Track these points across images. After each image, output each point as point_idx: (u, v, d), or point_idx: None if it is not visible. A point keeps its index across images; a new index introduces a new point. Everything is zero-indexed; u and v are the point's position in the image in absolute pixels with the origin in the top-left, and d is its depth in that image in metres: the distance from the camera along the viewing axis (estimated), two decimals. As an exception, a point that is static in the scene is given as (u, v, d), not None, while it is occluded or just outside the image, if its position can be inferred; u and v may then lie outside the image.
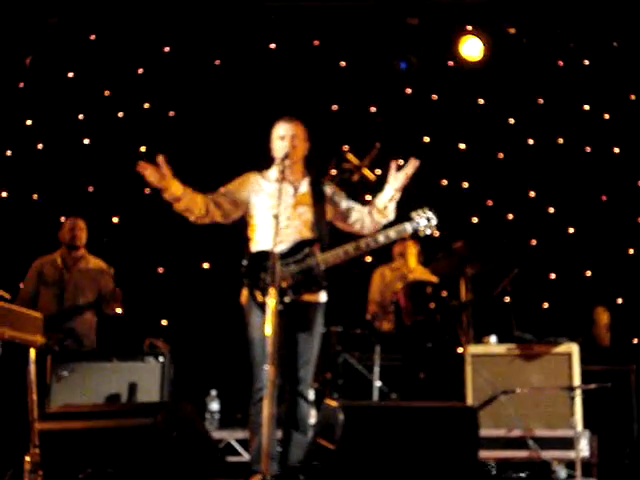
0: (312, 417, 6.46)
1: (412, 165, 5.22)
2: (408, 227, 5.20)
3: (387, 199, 5.19)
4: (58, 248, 7.28)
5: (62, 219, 8.45)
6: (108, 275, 7.19)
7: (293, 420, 5.03)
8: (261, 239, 5.14)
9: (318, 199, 5.22)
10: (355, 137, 8.16)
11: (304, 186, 5.25)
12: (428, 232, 5.27)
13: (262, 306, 4.82)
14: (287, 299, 4.94)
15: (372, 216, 5.23)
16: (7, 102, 8.70)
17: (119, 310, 7.24)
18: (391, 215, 5.25)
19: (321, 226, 5.16)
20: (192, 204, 5.19)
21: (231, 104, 8.75)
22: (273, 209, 4.86)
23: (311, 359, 5.09)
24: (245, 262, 5.07)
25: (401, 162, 5.23)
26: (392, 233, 5.15)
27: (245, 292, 5.11)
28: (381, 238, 5.13)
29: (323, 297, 5.16)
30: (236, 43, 8.78)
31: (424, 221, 5.23)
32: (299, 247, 5.06)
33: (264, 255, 4.88)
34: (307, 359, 5.08)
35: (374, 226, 5.25)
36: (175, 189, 5.16)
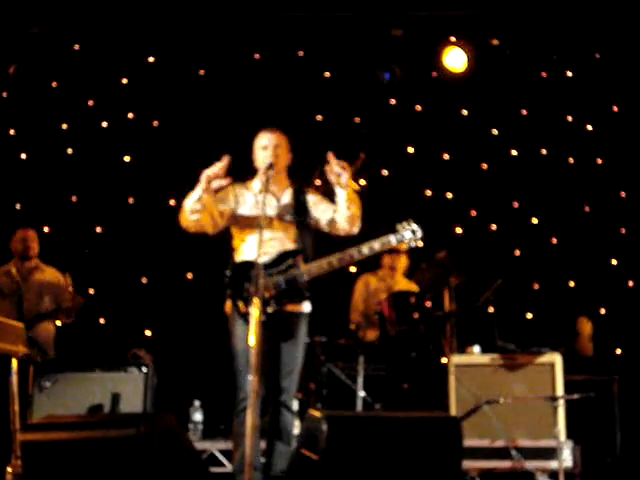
0: (296, 427, 6.46)
1: (331, 157, 5.10)
2: (392, 239, 5.18)
3: (345, 197, 5.10)
4: (9, 260, 7.26)
5: (45, 229, 8.47)
6: (64, 284, 7.14)
7: (277, 430, 5.02)
8: (245, 250, 5.14)
9: (301, 209, 5.21)
10: (339, 147, 8.13)
11: (287, 196, 5.25)
12: (413, 244, 5.25)
13: (245, 316, 4.82)
14: (270, 309, 4.93)
15: (343, 217, 5.17)
16: (-10, 112, 8.69)
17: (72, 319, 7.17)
18: (357, 211, 5.15)
19: (304, 237, 5.16)
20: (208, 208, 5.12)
21: (215, 114, 8.75)
22: (256, 220, 4.87)
23: (295, 369, 5.09)
24: (228, 272, 5.07)
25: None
26: (376, 245, 5.14)
27: (228, 302, 5.10)
28: (365, 250, 5.11)
29: (307, 307, 5.16)
30: (220, 53, 8.79)
31: (409, 234, 5.21)
32: (283, 258, 5.06)
33: (248, 265, 4.88)
34: (291, 369, 5.07)
35: (347, 227, 5.17)
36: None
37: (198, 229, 5.19)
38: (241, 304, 4.94)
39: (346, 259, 5.09)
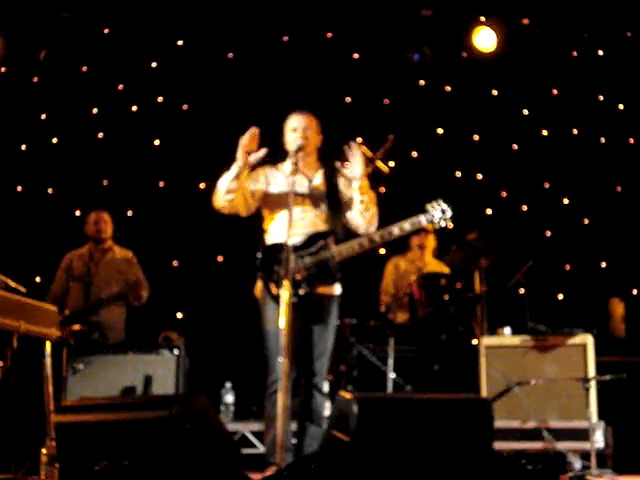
0: (326, 409, 6.49)
1: (356, 148, 5.13)
2: (422, 219, 5.17)
3: (357, 192, 5.14)
4: (85, 243, 7.34)
5: (77, 212, 8.53)
6: (135, 265, 7.22)
7: (308, 412, 5.04)
8: (276, 231, 5.15)
9: (332, 191, 5.21)
10: (368, 129, 8.15)
11: (318, 178, 5.26)
12: (442, 224, 5.23)
13: (276, 298, 4.83)
14: (301, 291, 4.94)
15: (358, 213, 5.18)
16: (22, 96, 8.73)
17: (143, 301, 7.25)
18: (371, 206, 5.16)
19: (335, 218, 5.16)
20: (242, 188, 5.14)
21: (244, 97, 8.75)
22: (287, 200, 4.88)
23: (325, 351, 5.10)
24: (259, 255, 5.08)
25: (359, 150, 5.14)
26: (406, 225, 5.12)
27: (259, 285, 5.12)
28: (396, 230, 5.11)
29: (337, 289, 5.16)
30: (249, 36, 8.78)
31: (439, 213, 5.19)
32: (313, 239, 5.07)
33: (278, 247, 4.89)
34: (321, 351, 5.09)
35: (363, 223, 5.17)
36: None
37: (232, 210, 5.20)
38: (272, 286, 4.96)
39: (376, 240, 5.08)
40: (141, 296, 7.19)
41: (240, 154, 5.06)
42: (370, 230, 5.19)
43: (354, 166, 5.11)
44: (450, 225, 5.29)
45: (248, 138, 5.07)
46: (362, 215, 5.16)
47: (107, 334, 7.01)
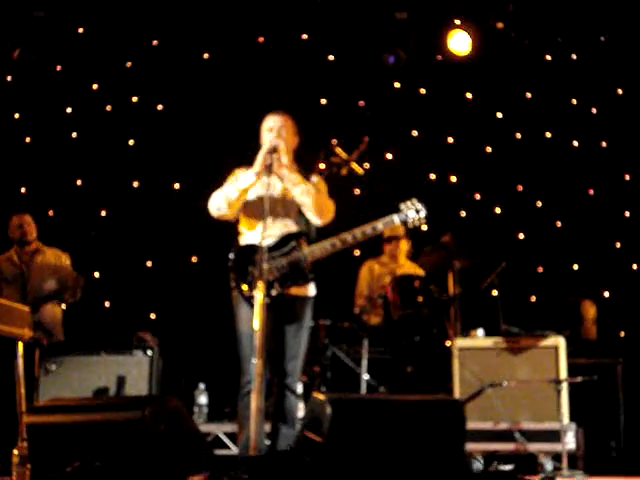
0: (300, 410, 6.50)
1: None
2: (396, 218, 5.17)
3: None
4: (11, 246, 7.28)
5: (50, 212, 8.48)
6: (66, 263, 7.19)
7: (281, 413, 5.05)
8: (249, 233, 5.15)
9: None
10: (344, 131, 8.16)
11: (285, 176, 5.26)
12: (417, 224, 5.23)
13: (250, 300, 4.83)
14: (274, 292, 4.94)
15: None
16: (-5, 95, 8.70)
17: (78, 298, 7.20)
18: (304, 191, 5.15)
19: (307, 220, 5.17)
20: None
21: (220, 98, 8.75)
22: (261, 204, 4.89)
23: (299, 352, 5.11)
24: (232, 256, 5.08)
25: None
26: (379, 225, 5.12)
27: (233, 286, 5.11)
28: (368, 230, 5.10)
29: (312, 291, 5.17)
30: (224, 36, 8.78)
31: (412, 212, 5.19)
32: (286, 240, 5.07)
33: (251, 248, 4.89)
34: (295, 352, 5.10)
35: (313, 211, 5.15)
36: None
37: (223, 218, 5.20)
38: (245, 287, 4.96)
39: (349, 240, 5.07)
40: (77, 294, 7.14)
41: (259, 167, 5.04)
42: (324, 220, 5.19)
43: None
44: (424, 225, 5.31)
45: (271, 150, 5.05)
46: (304, 205, 5.15)
47: (52, 333, 6.98)
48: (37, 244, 7.30)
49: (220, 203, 5.14)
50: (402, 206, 5.20)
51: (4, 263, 7.19)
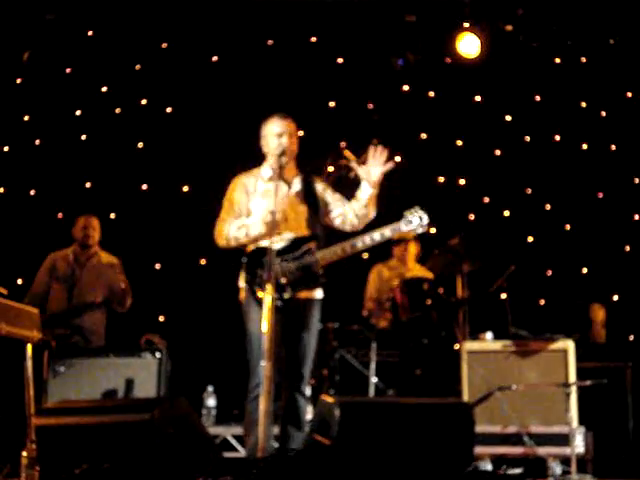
0: (308, 413, 6.49)
1: (390, 165, 5.20)
2: (403, 226, 5.21)
3: (368, 197, 5.19)
4: (69, 244, 7.29)
5: (59, 215, 8.50)
6: (119, 271, 7.19)
7: (290, 416, 5.05)
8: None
9: (311, 196, 5.25)
10: (352, 134, 8.17)
11: (297, 184, 5.27)
12: (420, 231, 5.28)
13: (261, 302, 4.83)
14: (286, 295, 4.96)
15: (355, 213, 5.24)
16: (5, 98, 8.70)
17: (126, 308, 7.23)
18: (372, 212, 5.25)
19: (316, 223, 5.20)
20: None
21: (228, 101, 8.76)
22: (269, 207, 4.91)
23: (308, 355, 5.12)
24: (245, 259, 5.09)
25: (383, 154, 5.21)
26: (387, 231, 5.16)
27: (244, 288, 5.11)
28: (377, 236, 5.14)
29: (319, 294, 5.18)
30: (233, 39, 8.79)
31: (417, 220, 5.23)
32: (297, 244, 5.08)
33: (263, 252, 4.90)
34: (304, 355, 5.11)
35: (357, 223, 5.26)
36: None
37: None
38: (258, 290, 4.96)
39: (358, 246, 5.11)
40: (125, 303, 7.16)
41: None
42: (359, 228, 5.26)
43: (373, 169, 5.15)
44: (427, 231, 5.34)
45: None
46: (357, 216, 5.22)
47: (89, 338, 6.99)
48: (97, 249, 7.28)
49: (229, 242, 5.21)
50: (406, 213, 5.24)
51: (60, 261, 7.16)
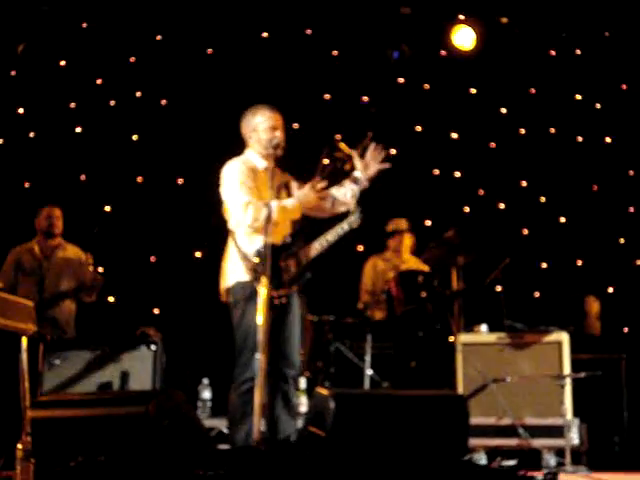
0: (303, 405, 6.51)
1: (387, 165, 5.24)
2: (354, 219, 5.25)
3: (358, 188, 5.21)
4: (34, 236, 7.26)
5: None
6: (86, 262, 7.15)
7: (283, 403, 5.04)
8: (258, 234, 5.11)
9: (290, 189, 5.28)
10: (347, 126, 8.16)
11: (282, 177, 5.30)
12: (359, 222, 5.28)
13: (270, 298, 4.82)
14: (285, 291, 4.97)
15: (339, 200, 5.28)
16: (-1, 90, 8.70)
17: (95, 298, 7.21)
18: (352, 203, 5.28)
19: (303, 218, 5.21)
20: None
21: (223, 93, 8.74)
22: (267, 199, 4.91)
23: (297, 343, 5.17)
24: (256, 253, 4.98)
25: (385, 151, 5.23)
26: (345, 226, 5.21)
27: (243, 282, 5.06)
28: (341, 230, 5.19)
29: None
30: (228, 32, 8.77)
31: (358, 213, 5.26)
32: (292, 240, 5.09)
33: (273, 248, 4.86)
34: (297, 345, 5.16)
35: (335, 210, 5.32)
36: None
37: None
38: (264, 286, 4.89)
39: (330, 240, 5.17)
40: (94, 293, 7.13)
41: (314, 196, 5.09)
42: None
43: (371, 165, 5.21)
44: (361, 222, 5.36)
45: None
46: (338, 209, 5.27)
47: (65, 329, 6.98)
48: (60, 239, 7.26)
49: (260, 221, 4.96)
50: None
51: (25, 254, 7.14)
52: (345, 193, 5.26)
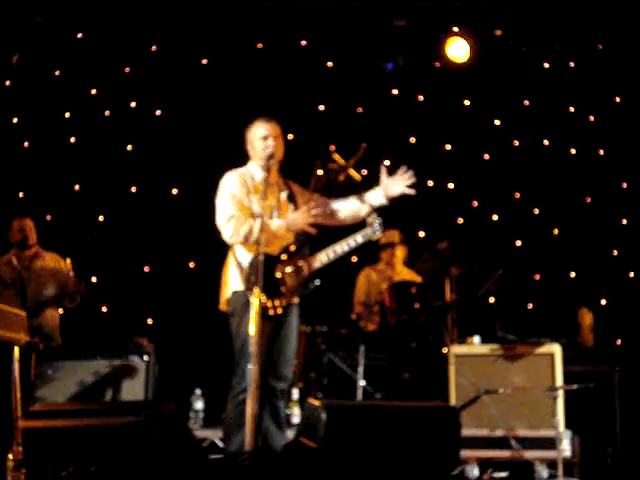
0: (296, 416, 6.51)
1: (411, 192, 5.32)
2: (369, 232, 5.25)
3: (376, 205, 5.24)
4: (9, 250, 7.26)
5: (48, 217, 8.47)
6: (66, 268, 7.15)
7: (273, 416, 5.04)
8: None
9: (296, 202, 5.27)
10: (341, 137, 8.17)
11: (284, 189, 5.29)
12: (379, 235, 5.30)
13: (265, 309, 4.82)
14: (284, 302, 4.97)
15: (352, 212, 5.33)
16: (-7, 100, 8.70)
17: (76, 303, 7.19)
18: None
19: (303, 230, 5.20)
20: None
21: (218, 104, 8.75)
22: (262, 210, 4.91)
23: (292, 356, 5.17)
24: (250, 264, 4.99)
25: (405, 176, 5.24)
26: (359, 238, 5.21)
27: (240, 292, 5.06)
28: (352, 243, 5.19)
29: (297, 298, 5.22)
30: (223, 42, 8.78)
31: (377, 225, 5.26)
32: (293, 251, 5.09)
33: (268, 258, 4.87)
34: (291, 357, 5.16)
35: (347, 221, 5.35)
36: None
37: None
38: (264, 298, 4.88)
39: (338, 252, 5.17)
40: (76, 298, 7.13)
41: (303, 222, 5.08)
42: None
43: (395, 186, 5.30)
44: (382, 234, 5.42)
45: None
46: (345, 221, 5.34)
47: (51, 337, 6.98)
48: (37, 248, 7.28)
49: (248, 239, 5.00)
50: (369, 220, 5.27)
51: (3, 267, 7.17)
52: (351, 207, 5.29)
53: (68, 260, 7.00)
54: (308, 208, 5.07)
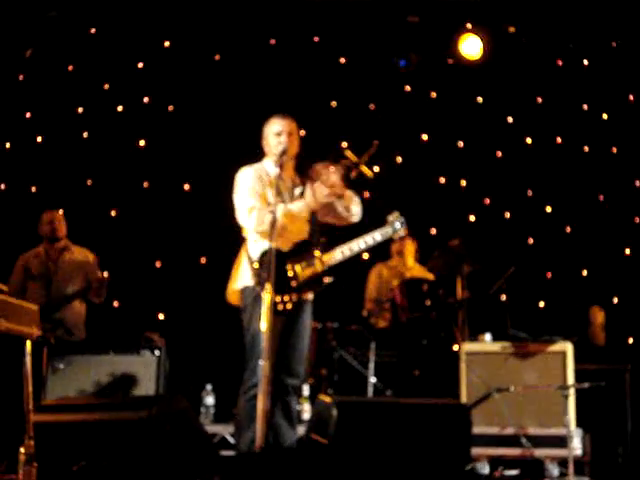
0: (306, 412, 6.51)
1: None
2: (389, 230, 5.28)
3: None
4: (40, 243, 7.28)
5: (60, 211, 8.48)
6: (94, 263, 7.18)
7: (284, 412, 5.04)
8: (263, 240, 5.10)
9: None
10: (354, 134, 8.17)
11: (298, 185, 5.28)
12: (401, 234, 5.33)
13: (275, 305, 4.81)
14: (294, 298, 4.96)
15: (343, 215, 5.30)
16: (7, 95, 8.70)
17: (103, 298, 7.21)
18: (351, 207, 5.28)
19: (317, 226, 5.19)
20: None
21: (230, 99, 8.76)
22: (274, 205, 4.90)
23: (304, 353, 5.16)
24: (256, 260, 4.99)
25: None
26: (377, 236, 5.23)
27: (250, 287, 5.07)
28: (369, 240, 5.19)
29: (311, 295, 5.21)
30: (236, 38, 8.79)
31: (398, 224, 5.28)
32: (303, 247, 5.08)
33: (279, 254, 4.86)
34: (302, 354, 5.14)
35: (346, 219, 5.31)
36: None
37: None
38: (273, 293, 4.88)
39: (354, 250, 5.16)
40: (102, 294, 7.14)
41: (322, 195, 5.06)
42: (352, 221, 5.29)
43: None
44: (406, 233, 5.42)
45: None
46: (344, 216, 5.26)
47: (72, 331, 6.99)
48: (66, 242, 7.29)
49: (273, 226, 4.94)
50: (391, 218, 5.28)
51: (32, 259, 7.18)
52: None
53: (94, 255, 7.05)
54: (322, 180, 5.05)
